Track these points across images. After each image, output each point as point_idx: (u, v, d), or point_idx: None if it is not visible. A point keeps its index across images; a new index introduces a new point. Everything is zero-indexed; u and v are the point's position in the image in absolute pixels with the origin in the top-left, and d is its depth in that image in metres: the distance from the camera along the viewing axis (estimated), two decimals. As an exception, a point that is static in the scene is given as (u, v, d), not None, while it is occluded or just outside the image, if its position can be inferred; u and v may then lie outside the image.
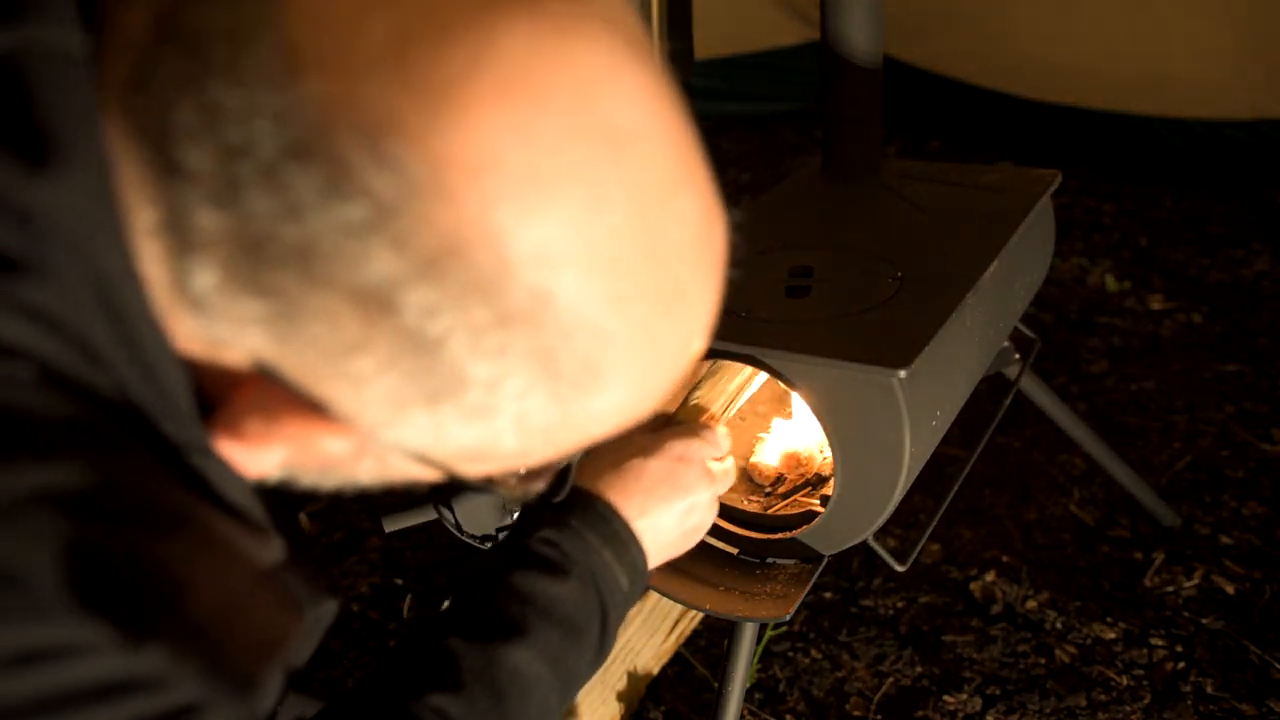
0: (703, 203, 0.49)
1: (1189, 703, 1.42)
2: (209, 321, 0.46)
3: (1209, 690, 1.44)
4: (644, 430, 0.96)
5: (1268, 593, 1.59)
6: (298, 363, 0.45)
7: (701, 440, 0.97)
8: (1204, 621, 1.55)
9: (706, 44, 1.85)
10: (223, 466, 0.50)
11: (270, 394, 0.47)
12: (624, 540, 0.85)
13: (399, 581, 1.73)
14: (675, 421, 1.05)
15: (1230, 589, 1.60)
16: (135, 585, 0.43)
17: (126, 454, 0.45)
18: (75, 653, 0.41)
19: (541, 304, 0.44)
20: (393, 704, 0.69)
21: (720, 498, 0.99)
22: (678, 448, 0.94)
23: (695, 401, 1.08)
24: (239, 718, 0.48)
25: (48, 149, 0.42)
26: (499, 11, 0.43)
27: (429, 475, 0.52)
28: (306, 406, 0.47)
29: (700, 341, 0.52)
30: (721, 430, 1.03)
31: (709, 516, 0.95)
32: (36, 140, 0.42)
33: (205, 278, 0.44)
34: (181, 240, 0.44)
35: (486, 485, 0.54)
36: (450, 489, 1.09)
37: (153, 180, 0.44)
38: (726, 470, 0.99)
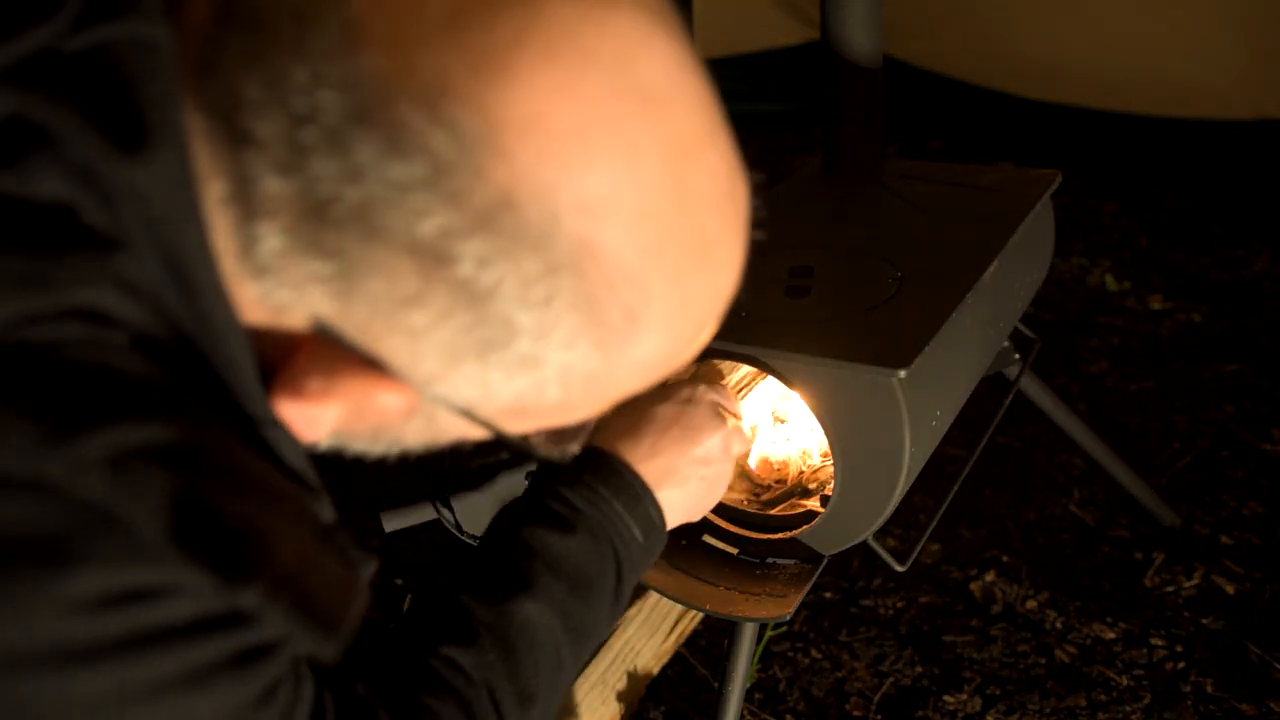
0: (727, 160, 0.52)
1: (1189, 703, 1.42)
2: (272, 286, 0.48)
3: (1209, 690, 1.44)
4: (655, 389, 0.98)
5: (1268, 593, 1.59)
6: (357, 321, 0.48)
7: (708, 386, 0.98)
8: (1204, 621, 1.55)
9: (706, 44, 1.85)
10: (284, 434, 0.53)
11: (329, 354, 0.50)
12: (636, 492, 0.86)
13: (399, 581, 1.73)
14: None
15: (1230, 589, 1.60)
16: (229, 535, 0.46)
17: (207, 418, 0.48)
18: (177, 592, 0.44)
19: (586, 253, 0.47)
20: (408, 657, 0.72)
21: (721, 498, 0.99)
22: (684, 392, 0.96)
23: (710, 365, 1.10)
24: (324, 655, 0.52)
25: (140, 134, 0.45)
26: None
27: (474, 434, 0.56)
28: (364, 364, 0.50)
29: (728, 293, 0.55)
30: (736, 396, 1.05)
31: (724, 468, 0.96)
32: (131, 125, 0.45)
33: (270, 242, 0.47)
34: (248, 208, 0.47)
35: (525, 445, 0.57)
36: (454, 483, 1.09)
37: (221, 153, 0.47)
38: (740, 428, 0.99)
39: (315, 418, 0.53)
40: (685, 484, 0.91)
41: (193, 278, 0.48)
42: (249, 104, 0.46)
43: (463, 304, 0.47)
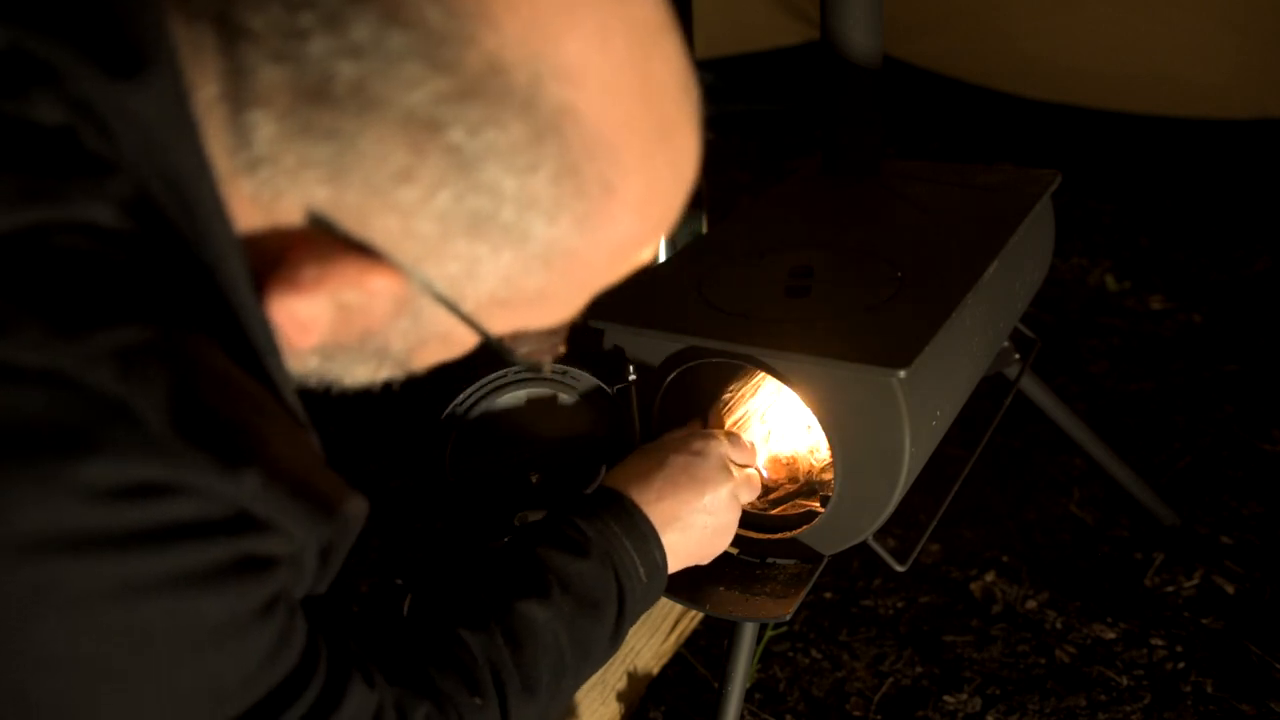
0: (682, 53, 0.56)
1: (1189, 703, 1.42)
2: (267, 176, 0.50)
3: (1209, 690, 1.44)
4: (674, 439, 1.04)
5: (1268, 593, 1.59)
6: (350, 204, 0.51)
7: (719, 439, 1.02)
8: (1204, 621, 1.55)
9: (706, 44, 1.85)
10: (280, 366, 0.55)
11: (323, 243, 0.52)
12: (643, 533, 0.92)
13: (399, 581, 1.73)
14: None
15: (1230, 589, 1.60)
16: (227, 425, 0.48)
17: (205, 334, 0.50)
18: (185, 490, 0.46)
19: (568, 119, 0.50)
20: (418, 635, 0.77)
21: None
22: (695, 444, 1.00)
23: (716, 407, 1.10)
24: (324, 539, 0.54)
25: (134, 60, 0.47)
26: None
27: (457, 338, 0.58)
28: (357, 250, 0.52)
29: (688, 185, 0.58)
30: (748, 439, 1.08)
31: (729, 518, 1.00)
32: (125, 53, 0.47)
33: (264, 130, 0.49)
34: (240, 102, 0.49)
35: (504, 348, 0.60)
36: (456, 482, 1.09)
37: (209, 55, 0.49)
38: (749, 477, 1.03)
39: (309, 320, 0.54)
40: (688, 531, 0.95)
41: (191, 194, 0.49)
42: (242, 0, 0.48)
43: (453, 172, 0.50)
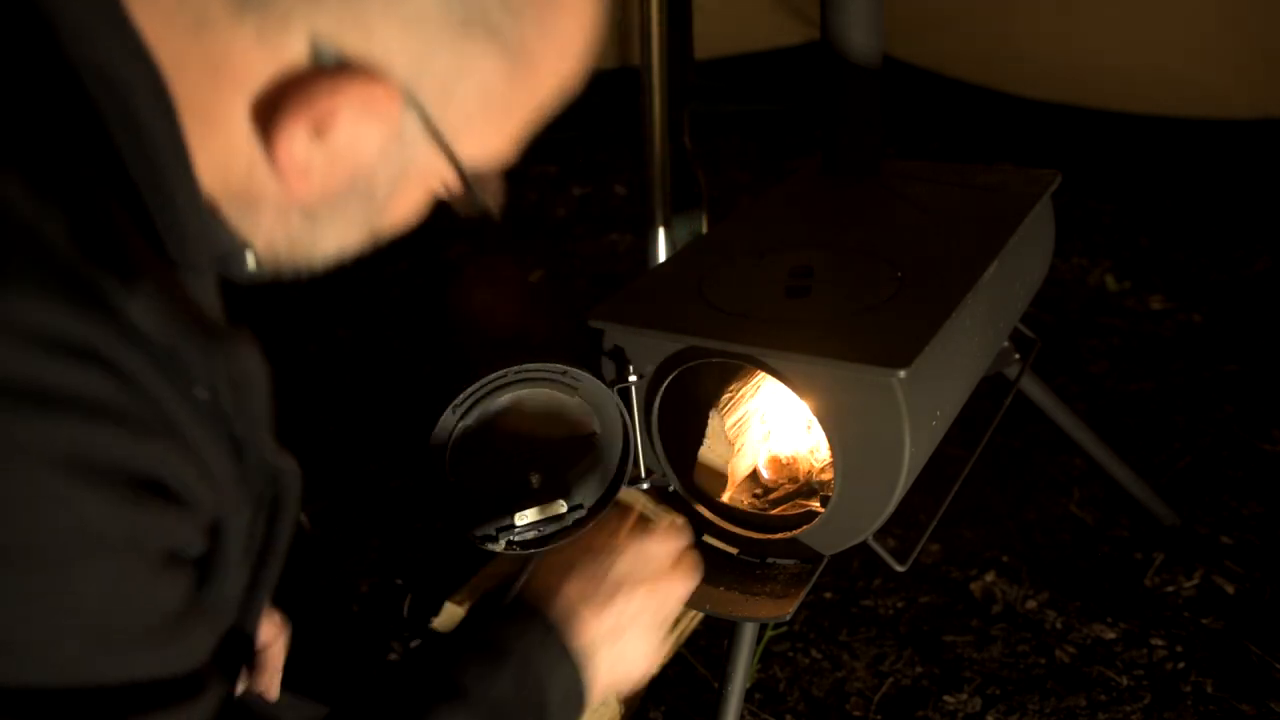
0: None
1: (1189, 703, 1.42)
2: (268, 10, 0.52)
3: (1209, 690, 1.44)
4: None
5: (1268, 593, 1.59)
6: (351, 22, 0.53)
7: (643, 534, 0.91)
8: (1204, 621, 1.55)
9: (706, 44, 1.85)
10: (202, 283, 0.57)
11: (330, 71, 0.54)
12: (562, 642, 0.81)
13: (399, 581, 1.73)
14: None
15: (1230, 589, 1.60)
16: (126, 251, 0.50)
17: (118, 210, 0.52)
18: (97, 359, 0.46)
19: None
20: None
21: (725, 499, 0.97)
22: (607, 539, 0.90)
23: (716, 407, 1.10)
24: (215, 372, 0.53)
25: None
26: None
27: (434, 174, 0.60)
28: (361, 71, 0.54)
29: (604, 17, 0.62)
30: (678, 520, 0.97)
31: (652, 604, 0.89)
32: None
33: None
34: None
35: (468, 182, 0.61)
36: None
37: None
38: (680, 572, 0.92)
39: (305, 162, 0.56)
40: (618, 634, 0.85)
41: (125, 87, 0.50)
42: None
43: None
